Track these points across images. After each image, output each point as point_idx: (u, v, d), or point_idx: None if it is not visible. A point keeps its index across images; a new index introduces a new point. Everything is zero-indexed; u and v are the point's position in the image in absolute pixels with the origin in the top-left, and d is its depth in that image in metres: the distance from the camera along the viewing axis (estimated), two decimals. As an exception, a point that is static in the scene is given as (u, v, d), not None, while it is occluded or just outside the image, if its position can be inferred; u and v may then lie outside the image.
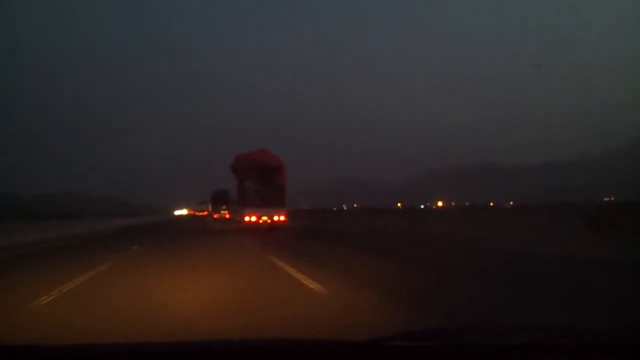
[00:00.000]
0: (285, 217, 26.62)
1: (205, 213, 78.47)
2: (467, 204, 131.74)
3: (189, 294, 7.14)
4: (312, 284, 7.71)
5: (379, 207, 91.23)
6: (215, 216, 61.10)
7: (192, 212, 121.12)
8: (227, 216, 56.38)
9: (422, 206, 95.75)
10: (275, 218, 26.16)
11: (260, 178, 26.24)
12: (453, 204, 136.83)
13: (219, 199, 61.57)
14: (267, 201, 25.91)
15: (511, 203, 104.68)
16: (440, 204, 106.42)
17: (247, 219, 25.97)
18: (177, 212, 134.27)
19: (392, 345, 1.80)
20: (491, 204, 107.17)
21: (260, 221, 25.88)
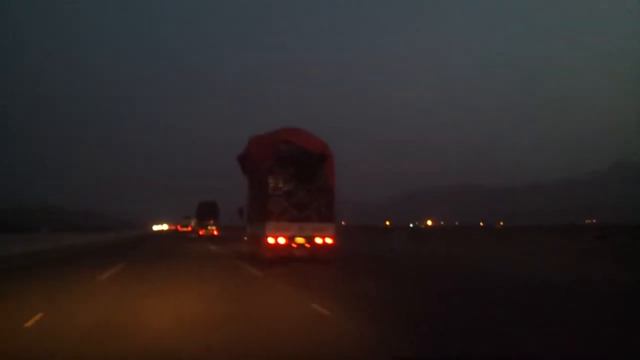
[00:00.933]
0: (333, 239, 16.28)
1: (189, 228, 73.37)
2: (456, 223, 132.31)
3: None
4: None
5: (367, 225, 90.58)
6: (200, 232, 52.32)
7: (173, 227, 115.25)
8: (215, 233, 50.17)
9: (410, 225, 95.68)
10: (319, 240, 15.96)
11: (295, 173, 16.68)
12: (442, 223, 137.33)
13: (205, 212, 52.41)
14: (306, 211, 16.24)
15: (501, 223, 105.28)
16: (429, 222, 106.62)
17: (270, 240, 15.63)
18: (155, 227, 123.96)
19: None
20: (481, 223, 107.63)
21: (294, 244, 15.76)
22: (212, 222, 51.40)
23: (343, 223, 61.46)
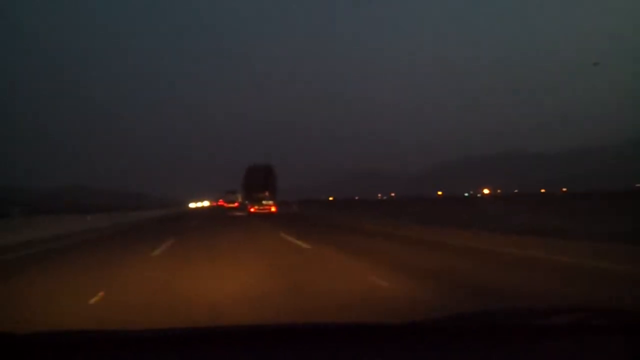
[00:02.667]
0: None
1: (236, 204, 63.30)
2: (515, 191, 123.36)
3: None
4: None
5: (412, 195, 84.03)
6: (251, 209, 38.18)
7: (215, 204, 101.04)
8: (273, 209, 37.47)
9: (465, 194, 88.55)
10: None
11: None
12: (499, 190, 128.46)
13: (257, 181, 38.14)
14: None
15: (564, 189, 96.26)
16: (486, 191, 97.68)
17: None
18: (193, 205, 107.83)
19: (429, 328, 1.87)
20: (542, 190, 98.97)
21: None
22: (267, 194, 38.16)
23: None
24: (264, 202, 37.35)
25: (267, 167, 39.12)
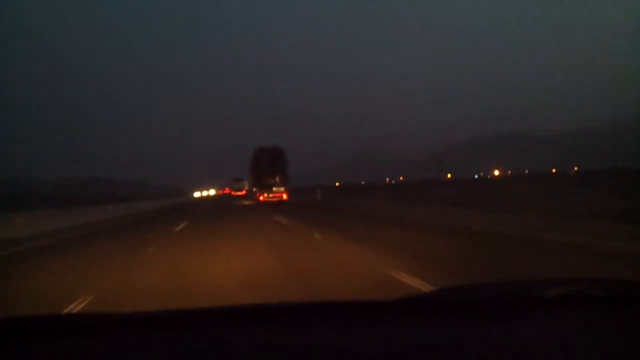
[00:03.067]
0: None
1: (243, 192, 62.16)
2: (526, 172, 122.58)
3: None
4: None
5: (421, 179, 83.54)
6: (260, 197, 34.25)
7: (221, 192, 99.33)
8: (284, 197, 33.57)
9: (475, 176, 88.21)
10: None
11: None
12: (509, 172, 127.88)
13: (266, 165, 33.88)
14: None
15: (575, 169, 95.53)
16: (497, 172, 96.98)
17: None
18: (197, 194, 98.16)
19: (431, 302, 1.90)
20: (553, 170, 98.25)
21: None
22: (277, 179, 33.78)
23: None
24: (274, 188, 33.51)
25: (276, 149, 34.74)
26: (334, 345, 1.55)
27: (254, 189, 38.60)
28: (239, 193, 63.34)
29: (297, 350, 1.51)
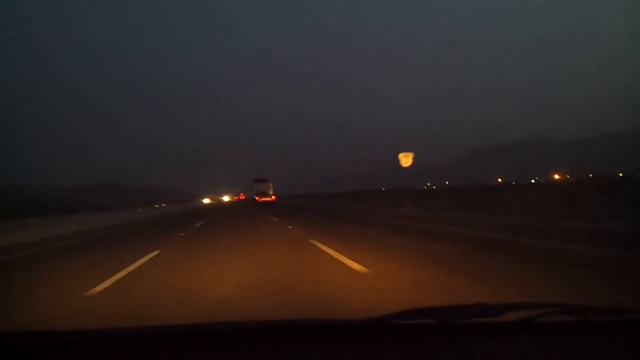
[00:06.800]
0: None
1: (273, 198, 51.08)
2: (590, 175, 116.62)
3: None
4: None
5: (459, 185, 77.67)
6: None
7: (235, 198, 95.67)
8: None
9: (532, 180, 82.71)
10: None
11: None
12: (568, 176, 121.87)
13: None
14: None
15: (620, 175, 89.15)
16: (556, 177, 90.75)
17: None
18: (206, 200, 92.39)
19: (390, 324, 1.86)
20: (620, 174, 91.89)
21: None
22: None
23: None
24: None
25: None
26: None
27: (254, 196, 52.19)
28: (266, 199, 48.94)
29: None
